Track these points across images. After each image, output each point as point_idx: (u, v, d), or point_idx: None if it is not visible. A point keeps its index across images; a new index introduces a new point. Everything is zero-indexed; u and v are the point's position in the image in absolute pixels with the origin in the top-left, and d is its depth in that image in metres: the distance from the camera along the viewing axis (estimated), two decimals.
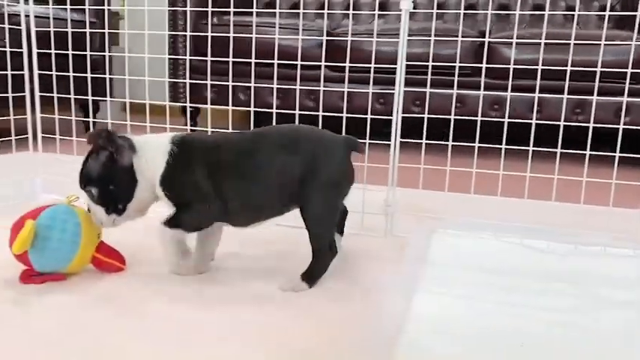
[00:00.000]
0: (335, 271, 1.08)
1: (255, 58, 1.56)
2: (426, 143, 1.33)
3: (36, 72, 1.54)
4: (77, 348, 0.79)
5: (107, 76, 2.05)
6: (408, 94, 2.70)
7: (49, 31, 1.47)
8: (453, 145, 1.33)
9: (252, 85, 1.59)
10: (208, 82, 1.66)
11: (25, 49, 1.51)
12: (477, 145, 1.31)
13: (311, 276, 1.02)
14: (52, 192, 1.56)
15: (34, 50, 1.52)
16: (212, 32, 1.65)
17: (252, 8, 1.68)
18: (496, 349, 0.82)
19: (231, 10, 1.60)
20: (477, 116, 1.34)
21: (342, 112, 1.42)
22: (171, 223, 1.01)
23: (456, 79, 1.40)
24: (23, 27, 1.50)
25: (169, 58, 3.03)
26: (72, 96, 1.55)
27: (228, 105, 1.63)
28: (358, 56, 1.73)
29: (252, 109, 1.60)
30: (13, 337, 0.82)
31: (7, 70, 1.49)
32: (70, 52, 1.52)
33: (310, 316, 0.91)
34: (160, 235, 1.02)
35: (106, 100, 1.68)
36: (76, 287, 0.99)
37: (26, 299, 0.94)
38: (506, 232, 1.28)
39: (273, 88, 1.56)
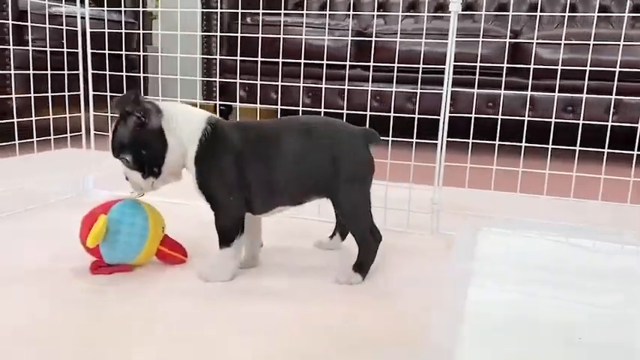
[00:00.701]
0: (383, 268, 1.11)
1: (287, 58, 1.59)
2: (468, 143, 1.36)
3: (90, 72, 1.59)
4: (162, 336, 0.84)
5: (140, 75, 2.09)
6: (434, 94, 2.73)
7: (95, 32, 1.53)
8: (498, 145, 1.36)
9: (280, 83, 1.63)
10: (238, 80, 1.71)
11: (80, 50, 1.57)
12: (523, 144, 1.33)
13: (362, 267, 1.06)
14: (104, 188, 1.62)
15: (89, 50, 1.58)
16: (245, 32, 1.70)
17: (283, 9, 1.70)
18: (555, 343, 0.85)
19: (261, 11, 1.65)
20: (513, 116, 1.37)
21: (373, 111, 1.45)
22: (224, 240, 1.03)
23: (503, 79, 1.43)
24: (79, 28, 1.55)
25: (203, 58, 3.09)
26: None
27: (258, 103, 1.67)
28: (390, 56, 1.76)
29: (279, 107, 1.65)
30: (97, 323, 0.87)
31: (57, 71, 1.55)
32: (123, 52, 1.58)
33: (367, 309, 0.95)
34: (223, 260, 1.03)
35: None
36: (144, 278, 1.04)
37: (101, 289, 0.99)
38: (552, 231, 1.30)
39: (301, 86, 1.59)
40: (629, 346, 0.85)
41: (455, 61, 1.29)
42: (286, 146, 1.02)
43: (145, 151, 1.00)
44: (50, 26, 1.62)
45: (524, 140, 1.33)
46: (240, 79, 1.73)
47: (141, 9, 3.00)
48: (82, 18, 1.55)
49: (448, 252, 1.23)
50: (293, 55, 1.63)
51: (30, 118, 1.49)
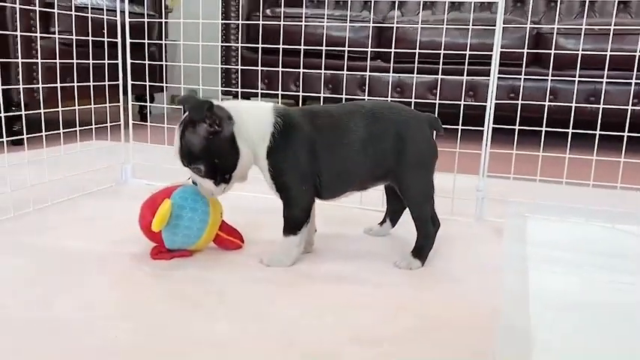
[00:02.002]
0: (438, 253, 1.12)
1: (306, 50, 1.60)
2: (509, 131, 1.37)
3: (129, 62, 1.60)
4: (243, 316, 0.85)
5: (172, 63, 2.09)
6: (460, 83, 2.74)
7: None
8: (530, 133, 1.36)
9: (301, 70, 1.63)
10: (259, 68, 1.72)
11: (119, 41, 1.57)
12: (570, 130, 1.33)
13: (421, 252, 1.07)
14: (142, 177, 1.63)
15: (127, 42, 1.58)
16: (264, 23, 1.70)
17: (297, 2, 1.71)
18: (619, 324, 0.86)
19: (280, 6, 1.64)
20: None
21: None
22: (291, 228, 1.03)
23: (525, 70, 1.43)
24: (118, 20, 1.55)
25: (222, 51, 3.09)
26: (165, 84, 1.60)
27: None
28: (410, 46, 1.76)
29: (300, 94, 1.65)
30: (171, 306, 0.88)
31: (95, 62, 1.55)
32: (149, 41, 1.58)
33: (432, 293, 0.96)
34: (288, 247, 1.03)
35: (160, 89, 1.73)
36: (206, 263, 1.05)
37: (165, 273, 0.99)
38: (598, 217, 1.30)
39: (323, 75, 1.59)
40: None
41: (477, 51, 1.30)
42: (355, 132, 1.02)
43: (218, 160, 0.98)
44: (94, 16, 1.63)
45: (570, 128, 1.34)
46: (259, 71, 1.74)
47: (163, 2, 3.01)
48: (122, 12, 1.56)
49: (498, 238, 1.23)
50: (312, 46, 1.64)
51: (72, 108, 1.49)
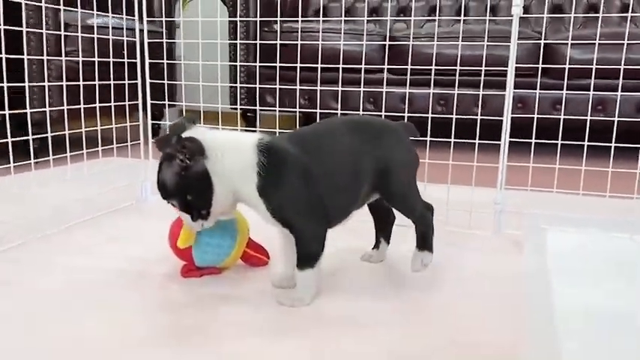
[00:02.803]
0: (456, 266, 1.14)
1: (314, 64, 1.63)
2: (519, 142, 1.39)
3: (148, 81, 1.63)
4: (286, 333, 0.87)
5: (169, 83, 2.12)
6: (471, 97, 2.77)
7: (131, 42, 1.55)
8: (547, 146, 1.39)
9: (314, 88, 1.66)
10: (257, 85, 1.75)
11: (138, 61, 1.60)
12: (585, 143, 1.36)
13: (427, 242, 1.06)
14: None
15: (147, 61, 1.61)
16: (272, 39, 1.74)
17: (304, 16, 1.76)
18: None
19: (278, 19, 1.68)
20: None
21: (403, 114, 1.49)
22: (307, 262, 0.96)
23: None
24: (137, 40, 1.58)
25: (230, 66, 3.13)
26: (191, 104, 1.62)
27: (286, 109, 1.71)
28: (418, 60, 1.80)
29: (317, 111, 1.68)
30: (207, 325, 0.90)
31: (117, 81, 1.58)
32: (165, 61, 1.61)
33: (457, 307, 0.98)
34: (307, 282, 0.97)
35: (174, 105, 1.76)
36: (235, 281, 1.07)
37: (198, 291, 1.02)
38: (616, 229, 1.32)
39: (340, 91, 1.62)
40: None
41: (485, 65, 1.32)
42: (342, 148, 1.00)
43: (190, 196, 0.94)
44: (114, 38, 1.66)
45: (586, 140, 1.36)
46: (267, 85, 1.77)
47: (177, 19, 3.05)
48: (141, 30, 1.59)
49: (518, 250, 1.25)
50: (320, 61, 1.67)
51: (95, 128, 1.52)
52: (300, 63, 1.65)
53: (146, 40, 1.59)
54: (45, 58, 1.45)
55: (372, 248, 1.20)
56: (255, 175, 0.93)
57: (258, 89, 2.82)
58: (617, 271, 1.13)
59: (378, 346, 0.83)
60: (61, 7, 1.52)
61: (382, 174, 1.02)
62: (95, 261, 1.15)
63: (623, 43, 1.67)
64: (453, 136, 1.43)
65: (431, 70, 1.56)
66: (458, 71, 1.50)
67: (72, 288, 1.02)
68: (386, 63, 2.53)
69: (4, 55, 1.20)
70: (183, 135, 0.93)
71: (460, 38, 1.65)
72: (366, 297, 1.01)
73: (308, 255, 0.97)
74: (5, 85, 1.21)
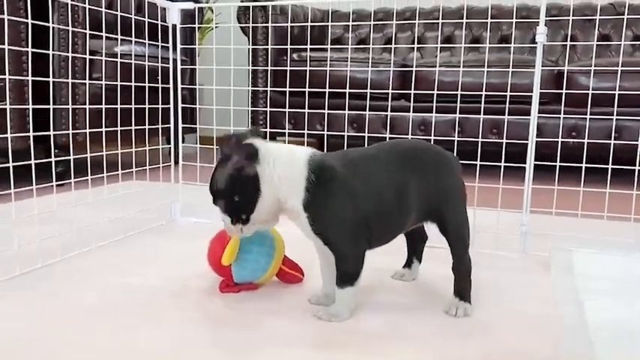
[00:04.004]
0: (486, 287, 1.16)
1: (331, 92, 1.69)
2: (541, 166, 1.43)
3: (180, 105, 1.68)
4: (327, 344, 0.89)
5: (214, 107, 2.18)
6: (487, 123, 2.82)
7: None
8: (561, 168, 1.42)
9: (326, 112, 1.71)
10: (268, 109, 1.81)
11: (171, 86, 1.66)
12: (610, 166, 1.39)
13: (466, 293, 1.05)
14: (190, 215, 1.69)
15: (179, 86, 1.67)
16: (291, 67, 1.81)
17: (321, 46, 1.84)
18: None
19: (288, 46, 1.74)
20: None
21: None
22: (347, 280, 0.98)
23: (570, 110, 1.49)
24: (171, 67, 1.65)
25: (253, 92, 3.20)
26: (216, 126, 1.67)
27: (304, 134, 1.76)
28: (433, 87, 1.85)
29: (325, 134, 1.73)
30: (249, 338, 0.93)
31: (149, 104, 1.64)
32: (202, 87, 1.67)
33: (502, 316, 1.00)
34: (346, 299, 0.99)
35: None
36: (273, 296, 1.10)
37: (238, 306, 1.05)
38: (637, 251, 1.35)
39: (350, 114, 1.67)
40: None
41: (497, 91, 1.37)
42: (392, 174, 1.00)
43: (237, 197, 0.95)
44: (137, 63, 1.72)
45: (610, 163, 1.40)
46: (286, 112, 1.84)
47: (196, 47, 3.14)
48: (174, 60, 1.65)
49: (545, 271, 1.28)
50: (337, 88, 1.73)
51: (130, 149, 1.57)
52: (319, 90, 1.70)
53: (179, 67, 1.65)
54: (87, 82, 1.50)
55: (404, 267, 1.22)
56: (303, 189, 0.94)
57: (268, 112, 2.89)
58: None
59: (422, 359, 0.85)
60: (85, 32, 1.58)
61: (437, 203, 1.02)
62: (132, 278, 1.19)
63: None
64: (479, 159, 1.46)
65: (447, 96, 1.60)
66: (483, 98, 1.54)
67: (114, 303, 1.06)
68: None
69: (50, 80, 1.25)
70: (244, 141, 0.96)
71: (486, 66, 1.69)
72: (403, 314, 1.03)
73: (348, 273, 0.99)
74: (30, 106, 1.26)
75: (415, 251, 1.21)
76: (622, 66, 1.58)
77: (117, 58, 1.66)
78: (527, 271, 1.29)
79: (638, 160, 1.39)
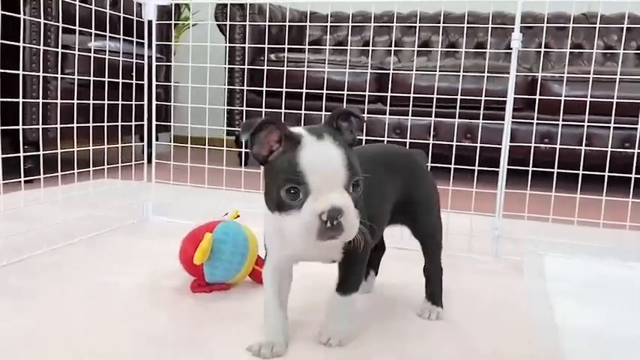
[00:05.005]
0: (457, 286, 1.16)
1: (308, 93, 1.69)
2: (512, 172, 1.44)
3: (154, 103, 1.66)
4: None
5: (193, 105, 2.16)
6: (460, 126, 2.85)
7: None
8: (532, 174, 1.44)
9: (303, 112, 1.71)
10: (244, 108, 1.81)
11: (145, 83, 1.64)
12: (580, 172, 1.41)
13: (438, 296, 1.04)
14: (162, 214, 1.67)
15: (154, 83, 1.65)
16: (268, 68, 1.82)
17: (298, 47, 1.85)
18: None
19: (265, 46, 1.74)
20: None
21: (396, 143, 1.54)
22: (356, 285, 0.90)
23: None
24: (146, 64, 1.62)
25: (228, 93, 3.18)
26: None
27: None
28: (409, 91, 1.87)
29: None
30: (219, 336, 0.91)
31: (122, 101, 1.61)
32: (179, 84, 1.65)
33: (475, 316, 1.00)
34: (351, 307, 0.91)
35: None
36: (244, 296, 1.08)
37: (208, 305, 1.03)
38: (609, 255, 1.37)
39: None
40: None
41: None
42: (380, 174, 0.94)
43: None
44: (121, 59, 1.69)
45: (581, 168, 1.42)
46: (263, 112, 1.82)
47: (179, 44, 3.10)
48: (149, 57, 1.63)
49: (517, 274, 1.29)
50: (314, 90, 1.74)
51: (102, 146, 1.54)
52: (295, 91, 1.70)
53: (154, 64, 1.63)
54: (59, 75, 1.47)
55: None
56: None
57: (244, 112, 2.88)
58: (613, 296, 1.17)
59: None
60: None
61: (408, 206, 1.00)
62: (102, 277, 1.16)
63: (612, 81, 1.75)
64: (452, 163, 1.47)
65: (423, 100, 1.61)
66: (458, 102, 1.55)
67: (81, 301, 1.04)
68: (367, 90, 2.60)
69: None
70: None
71: (462, 71, 1.70)
72: (376, 318, 1.03)
73: (358, 277, 0.91)
74: None
75: (372, 263, 1.14)
76: (593, 74, 1.61)
77: (90, 53, 1.62)
78: (500, 275, 1.30)
79: (607, 167, 1.42)
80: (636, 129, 1.45)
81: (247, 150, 0.88)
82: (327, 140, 0.77)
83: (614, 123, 1.54)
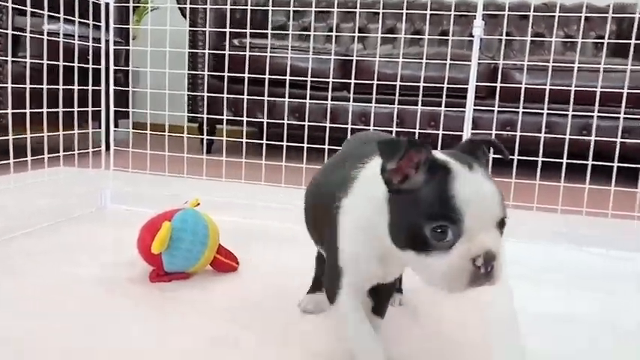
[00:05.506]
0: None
1: (272, 80, 1.68)
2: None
3: (112, 88, 1.61)
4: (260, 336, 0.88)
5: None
6: (423, 114, 2.86)
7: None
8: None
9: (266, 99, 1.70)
10: (205, 94, 1.79)
11: (102, 67, 1.59)
12: (540, 159, 1.44)
13: (398, 283, 1.02)
14: (121, 203, 1.63)
15: (111, 68, 1.60)
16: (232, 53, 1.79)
17: (262, 32, 1.83)
18: (593, 332, 0.94)
19: (226, 31, 1.72)
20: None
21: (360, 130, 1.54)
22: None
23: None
24: (103, 48, 1.57)
25: (189, 79, 3.12)
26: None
27: (244, 123, 1.75)
28: (374, 78, 1.87)
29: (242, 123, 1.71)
30: (171, 326, 0.90)
31: (77, 86, 1.56)
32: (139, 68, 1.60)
33: (437, 303, 1.01)
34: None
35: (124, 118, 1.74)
36: (204, 285, 1.07)
37: (165, 295, 1.01)
38: (566, 240, 1.40)
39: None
40: None
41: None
42: None
43: None
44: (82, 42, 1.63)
45: (540, 155, 1.44)
46: (225, 99, 1.80)
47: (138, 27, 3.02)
48: (106, 41, 1.58)
49: None
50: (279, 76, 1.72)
51: (57, 133, 1.49)
52: (258, 76, 1.68)
53: (112, 48, 1.58)
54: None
55: (308, 292, 1.01)
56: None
57: (205, 98, 2.83)
58: (569, 279, 1.20)
59: None
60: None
61: None
62: (58, 267, 1.13)
63: (571, 69, 1.78)
64: None
65: (387, 87, 1.61)
66: (421, 89, 1.56)
67: (38, 292, 1.00)
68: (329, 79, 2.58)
69: None
70: None
71: (424, 59, 1.71)
72: None
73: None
74: None
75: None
76: (553, 63, 1.63)
77: (44, 36, 1.56)
78: None
79: (565, 154, 1.45)
80: (593, 117, 1.48)
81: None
82: (478, 172, 0.66)
83: (573, 111, 1.57)
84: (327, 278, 0.79)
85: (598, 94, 1.54)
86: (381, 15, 1.94)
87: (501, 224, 0.66)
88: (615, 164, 1.45)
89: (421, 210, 0.64)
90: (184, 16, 3.04)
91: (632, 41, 1.48)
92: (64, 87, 1.49)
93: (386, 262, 0.75)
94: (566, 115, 1.55)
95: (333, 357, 0.83)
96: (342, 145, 0.97)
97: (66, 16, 1.52)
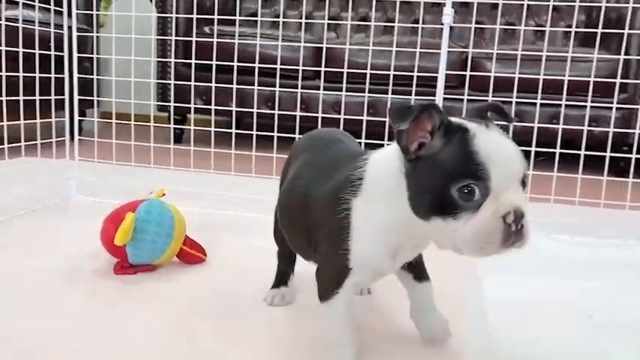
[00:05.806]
0: None
1: (244, 68, 1.66)
2: None
3: (75, 76, 1.57)
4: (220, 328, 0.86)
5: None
6: (394, 104, 2.86)
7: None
8: None
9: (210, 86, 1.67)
10: (172, 82, 1.76)
11: (66, 54, 1.54)
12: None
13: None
14: (87, 194, 1.59)
15: (75, 55, 1.55)
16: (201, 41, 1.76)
17: (235, 20, 1.81)
18: (570, 320, 0.94)
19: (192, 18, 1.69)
20: None
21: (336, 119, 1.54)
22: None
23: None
24: (65, 34, 1.52)
25: (158, 67, 3.07)
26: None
27: (212, 112, 1.74)
28: (348, 67, 1.86)
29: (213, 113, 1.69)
30: (137, 320, 0.88)
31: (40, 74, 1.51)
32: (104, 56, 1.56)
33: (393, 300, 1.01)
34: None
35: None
36: (169, 277, 1.04)
37: (128, 287, 0.99)
38: (533, 229, 1.41)
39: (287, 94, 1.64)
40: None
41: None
42: None
43: None
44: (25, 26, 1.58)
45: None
46: (195, 88, 1.77)
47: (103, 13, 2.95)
48: (69, 27, 1.53)
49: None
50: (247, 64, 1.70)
51: (18, 122, 1.44)
52: (227, 64, 1.65)
53: (74, 35, 1.53)
54: None
55: (277, 286, 0.98)
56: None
57: (172, 85, 2.79)
58: (537, 266, 1.21)
59: None
60: None
61: None
62: (21, 260, 1.10)
63: (540, 59, 1.78)
64: (386, 139, 1.47)
65: (361, 76, 1.60)
66: (391, 78, 1.55)
67: (6, 288, 0.97)
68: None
69: None
70: None
71: (394, 47, 1.70)
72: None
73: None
74: None
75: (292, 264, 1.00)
76: (523, 52, 1.64)
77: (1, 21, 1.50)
78: (432, 249, 1.31)
79: (534, 142, 1.45)
80: (561, 106, 1.49)
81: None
82: (495, 130, 0.66)
83: (542, 100, 1.58)
84: (326, 279, 0.76)
85: (566, 83, 1.55)
86: (350, 3, 1.92)
87: (523, 182, 0.65)
88: (582, 152, 1.46)
89: (445, 172, 0.63)
90: (152, 2, 2.98)
91: (599, 30, 1.49)
92: (25, 75, 1.44)
93: (398, 255, 0.75)
94: (535, 104, 1.57)
95: (300, 347, 0.82)
96: (294, 146, 0.95)
97: (26, 1, 1.46)
